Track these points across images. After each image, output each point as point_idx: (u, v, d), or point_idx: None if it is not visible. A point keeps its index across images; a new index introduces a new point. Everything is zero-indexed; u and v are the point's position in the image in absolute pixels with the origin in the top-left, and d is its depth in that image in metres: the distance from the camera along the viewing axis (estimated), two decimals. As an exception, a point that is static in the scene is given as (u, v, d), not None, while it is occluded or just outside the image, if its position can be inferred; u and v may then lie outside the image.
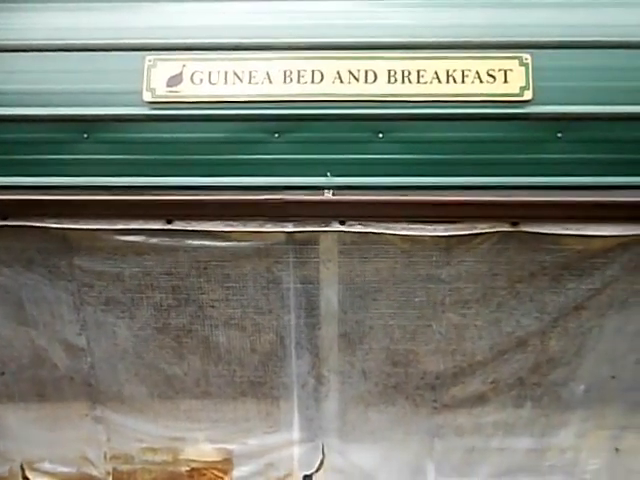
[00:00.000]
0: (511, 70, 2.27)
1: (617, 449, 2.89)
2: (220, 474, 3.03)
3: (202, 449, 3.00)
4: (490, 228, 2.45)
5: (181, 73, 2.31)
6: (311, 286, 2.64)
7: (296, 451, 2.97)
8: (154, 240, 2.54)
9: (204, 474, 3.04)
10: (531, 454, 2.93)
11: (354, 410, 2.88)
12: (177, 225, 2.49)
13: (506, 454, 2.93)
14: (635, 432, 2.86)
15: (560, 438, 2.89)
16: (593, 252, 2.50)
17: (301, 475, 3.01)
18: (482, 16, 2.37)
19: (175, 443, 2.99)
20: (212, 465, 3.02)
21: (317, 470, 3.01)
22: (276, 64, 2.31)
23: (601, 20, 2.35)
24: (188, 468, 3.04)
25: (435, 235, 2.46)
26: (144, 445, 2.99)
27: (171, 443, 2.99)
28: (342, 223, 2.47)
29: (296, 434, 2.94)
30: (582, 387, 2.77)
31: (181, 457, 3.02)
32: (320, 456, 2.98)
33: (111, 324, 2.72)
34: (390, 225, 2.47)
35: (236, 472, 3.02)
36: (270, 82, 2.31)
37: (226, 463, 3.02)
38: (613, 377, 2.74)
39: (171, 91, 2.31)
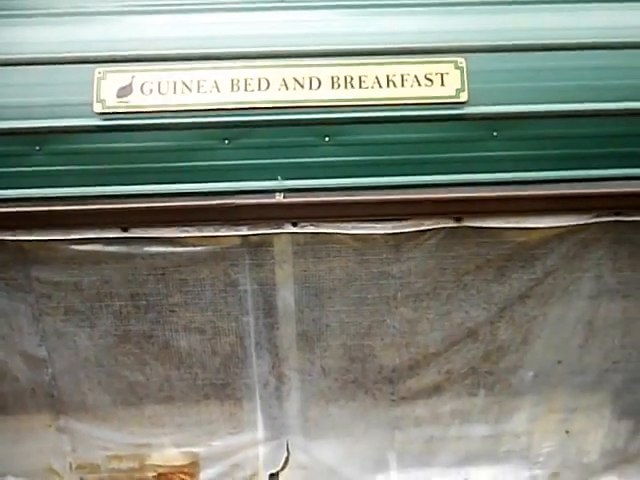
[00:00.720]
0: (447, 73, 2.39)
1: (567, 431, 3.04)
2: (187, 477, 3.07)
3: (168, 454, 3.04)
4: (435, 224, 2.57)
5: (130, 84, 2.37)
6: (268, 287, 2.71)
7: (261, 450, 3.03)
8: (111, 248, 2.58)
9: (171, 478, 3.07)
10: (487, 440, 3.05)
11: (316, 407, 2.96)
12: (133, 233, 2.54)
13: (464, 442, 3.04)
14: (583, 414, 3.01)
15: (513, 423, 3.02)
16: (533, 243, 2.64)
17: (267, 474, 3.07)
18: (419, 23, 2.49)
19: (141, 449, 3.02)
20: (179, 469, 3.06)
21: (282, 468, 3.07)
22: (223, 73, 2.39)
23: (531, 24, 2.49)
24: (155, 473, 3.07)
25: (384, 233, 2.56)
26: (110, 453, 3.01)
27: (137, 450, 3.02)
28: (294, 225, 2.56)
29: (260, 433, 3.00)
30: (531, 373, 2.90)
31: (147, 463, 3.05)
32: (285, 454, 3.04)
33: (71, 334, 2.75)
34: (341, 225, 2.56)
35: (203, 475, 3.06)
36: (218, 91, 2.39)
37: (193, 466, 3.06)
38: (559, 362, 2.88)
39: (121, 102, 2.37)
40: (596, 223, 2.59)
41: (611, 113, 2.45)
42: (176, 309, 2.72)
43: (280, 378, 2.89)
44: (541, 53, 2.46)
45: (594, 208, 2.55)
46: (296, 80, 2.40)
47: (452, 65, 2.40)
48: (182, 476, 3.07)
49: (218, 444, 3.02)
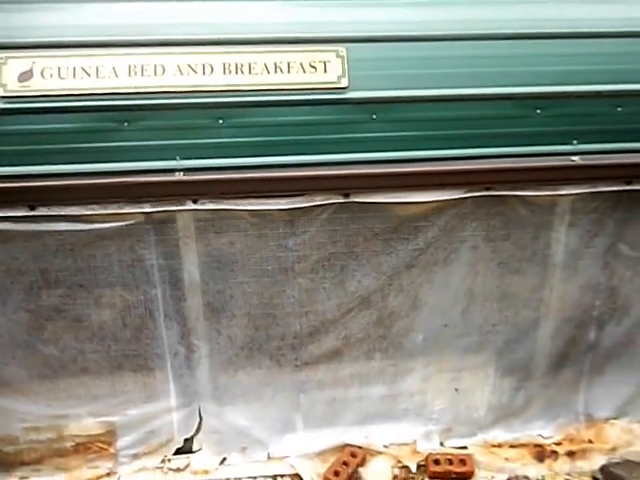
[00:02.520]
0: (329, 61, 2.63)
1: (457, 389, 3.34)
2: (105, 446, 3.23)
3: (85, 424, 3.18)
4: (325, 200, 2.81)
5: (31, 69, 2.51)
6: (173, 262, 2.89)
7: (175, 417, 3.22)
8: (19, 226, 2.70)
9: (89, 447, 3.22)
10: (385, 400, 3.32)
11: (225, 374, 3.16)
12: (40, 211, 2.67)
13: (364, 402, 3.31)
14: (470, 373, 3.31)
15: (408, 384, 3.30)
16: (415, 217, 2.91)
17: (181, 439, 3.26)
18: (304, 14, 2.71)
19: (58, 420, 3.15)
20: (96, 438, 3.21)
21: (196, 433, 3.27)
22: (121, 60, 2.55)
23: (404, 17, 2.75)
24: (73, 443, 3.21)
25: (278, 208, 2.78)
26: (27, 425, 3.13)
27: (54, 421, 3.15)
28: (195, 202, 2.75)
29: (173, 401, 3.19)
30: (421, 336, 3.18)
31: (65, 433, 3.19)
32: (197, 419, 3.24)
33: (-17, 310, 2.86)
34: (238, 201, 2.76)
35: (120, 442, 3.22)
36: (116, 76, 2.55)
37: (109, 435, 3.22)
38: (446, 325, 3.17)
39: (23, 86, 2.50)
40: (469, 197, 2.87)
41: (479, 97, 2.73)
42: (85, 284, 2.87)
43: (189, 347, 3.08)
44: (415, 43, 2.72)
45: (467, 184, 2.84)
46: (190, 66, 2.58)
47: (334, 54, 2.63)
48: (100, 445, 3.22)
49: (133, 412, 3.18)
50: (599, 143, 2.82)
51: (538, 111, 2.74)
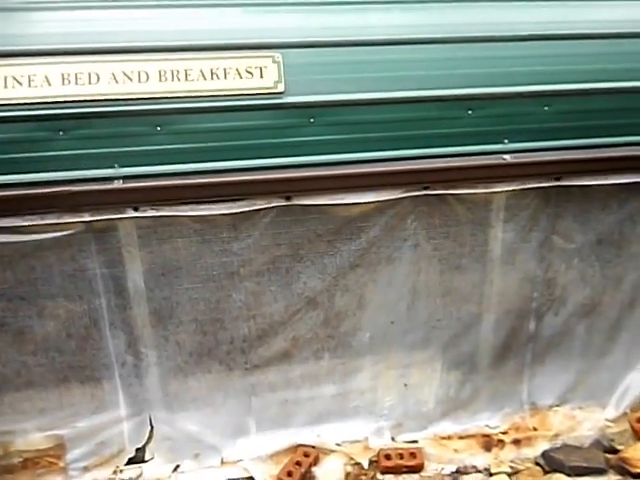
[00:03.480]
0: (266, 67, 2.67)
1: (406, 384, 3.41)
2: (54, 460, 3.17)
3: (32, 438, 3.12)
4: (267, 204, 2.84)
5: (-39, 79, 2.47)
6: (117, 270, 2.87)
7: (125, 427, 3.19)
8: (-46, 239, 2.65)
9: (38, 462, 3.16)
10: (336, 399, 3.37)
11: (174, 381, 3.16)
12: (-25, 223, 2.63)
13: (315, 402, 3.35)
14: (418, 368, 3.39)
15: (358, 382, 3.36)
16: (357, 217, 2.98)
17: (133, 449, 3.24)
18: (240, 21, 2.75)
19: (4, 437, 3.09)
20: (45, 453, 3.16)
21: (148, 442, 3.25)
22: (54, 68, 2.53)
23: (338, 23, 2.81)
24: (21, 459, 3.15)
25: (219, 214, 2.80)
26: (-28, 443, 3.06)
27: (0, 437, 3.08)
28: (136, 209, 2.74)
29: (123, 411, 3.16)
30: (368, 335, 3.25)
31: (12, 449, 3.12)
32: (148, 428, 3.22)
33: None
34: (180, 208, 2.77)
35: (69, 455, 3.17)
36: (49, 85, 2.53)
37: (58, 449, 3.17)
38: (392, 323, 3.24)
39: (-48, 96, 2.46)
40: (408, 197, 2.95)
41: (413, 100, 2.81)
42: (26, 296, 2.82)
43: (137, 356, 3.06)
44: (350, 48, 2.78)
45: (404, 184, 2.92)
46: (125, 74, 2.58)
47: (270, 59, 2.67)
48: (48, 459, 3.17)
49: (82, 425, 3.14)
50: (528, 142, 2.94)
51: (470, 112, 2.84)
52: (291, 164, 2.78)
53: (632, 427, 3.18)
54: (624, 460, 2.96)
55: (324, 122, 2.75)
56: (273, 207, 2.86)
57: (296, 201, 2.86)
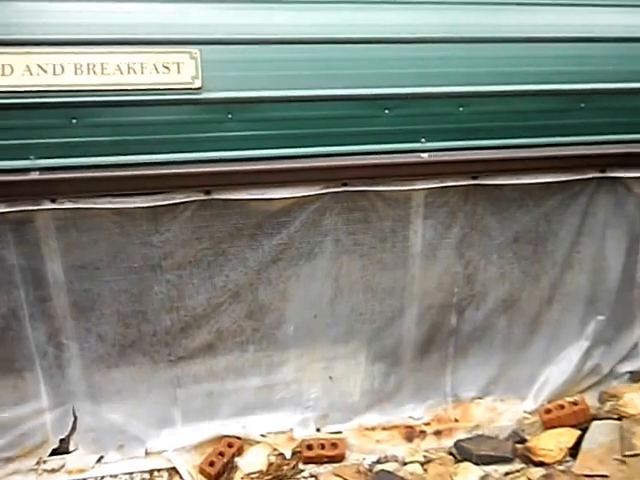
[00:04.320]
0: (183, 63, 2.70)
1: (330, 377, 3.48)
2: (-25, 451, 3.17)
3: (-47, 430, 3.11)
4: (187, 197, 2.88)
5: None
6: (35, 261, 2.88)
7: (48, 417, 3.20)
8: None
9: (-42, 454, 3.15)
10: (262, 391, 3.42)
11: (98, 372, 3.17)
12: None
13: (241, 393, 3.40)
14: (342, 361, 3.47)
15: (284, 374, 3.42)
16: (277, 212, 3.03)
17: (57, 439, 3.25)
18: (158, 16, 2.77)
19: None
20: (-34, 444, 3.15)
21: (72, 433, 3.26)
22: (-35, 59, 2.53)
23: (259, 19, 2.86)
24: (-59, 451, 3.13)
25: (137, 207, 2.83)
26: None
27: None
28: (53, 201, 2.76)
29: (45, 402, 3.17)
30: (292, 327, 3.31)
31: None
32: (72, 419, 3.23)
33: None
34: (97, 200, 2.79)
35: (-8, 446, 3.17)
36: (-39, 75, 2.53)
37: (-20, 440, 3.16)
38: (315, 316, 3.30)
39: None
40: (328, 193, 3.02)
41: (331, 98, 2.87)
42: (-58, 286, 2.82)
43: (59, 347, 3.07)
44: (268, 45, 2.83)
45: (324, 180, 2.98)
46: (40, 66, 2.59)
47: (187, 55, 2.71)
48: (-31, 450, 3.16)
49: (4, 415, 3.13)
50: (445, 141, 3.03)
51: (386, 111, 2.91)
52: (210, 159, 2.82)
53: (541, 418, 3.29)
54: (528, 449, 3.08)
55: (242, 118, 2.80)
56: (193, 201, 2.89)
57: (216, 195, 2.90)
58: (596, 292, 3.59)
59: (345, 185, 3.02)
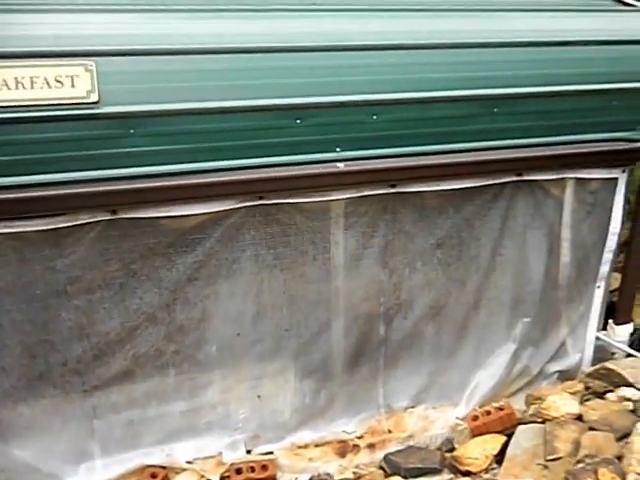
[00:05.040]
0: (77, 76, 2.54)
1: (259, 396, 3.37)
2: None
3: None
4: (91, 218, 2.72)
5: None
6: None
7: (-49, 461, 2.96)
8: None
9: None
10: (186, 415, 3.27)
11: (3, 408, 2.95)
12: None
13: (164, 420, 3.24)
14: (270, 379, 3.36)
15: (209, 396, 3.28)
16: (190, 230, 2.91)
17: (-38, 483, 3.01)
18: (49, 27, 2.61)
19: None
20: None
21: (-21, 475, 3.03)
22: None
23: (160, 30, 2.74)
24: None
25: (36, 230, 2.65)
26: None
27: None
28: (-61, 227, 2.55)
29: (-54, 444, 2.93)
30: (214, 348, 3.18)
31: None
32: (-22, 460, 3.00)
33: None
34: (-9, 225, 2.60)
35: None
36: None
37: None
38: (238, 335, 3.19)
39: None
40: (242, 207, 2.92)
41: (239, 109, 2.76)
42: None
43: (-42, 384, 2.85)
44: (169, 57, 2.69)
45: (238, 194, 2.88)
46: None
47: (82, 68, 2.55)
48: None
49: None
50: (360, 150, 2.97)
51: (298, 121, 2.83)
52: (114, 176, 2.68)
53: (469, 426, 3.27)
54: (455, 458, 3.05)
55: (146, 133, 2.66)
56: (98, 221, 2.74)
57: (122, 215, 2.76)
58: (521, 294, 3.62)
59: (261, 198, 2.93)
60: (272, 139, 2.84)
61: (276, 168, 2.88)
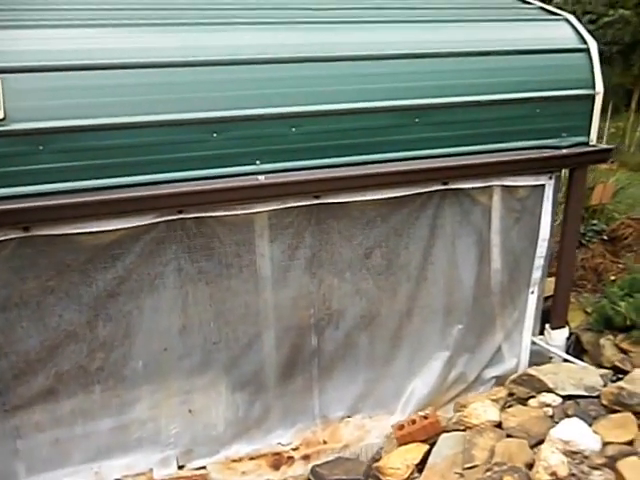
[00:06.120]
0: (-17, 93, 2.51)
1: (190, 410, 3.34)
2: None
3: None
4: (3, 236, 2.67)
5: None
6: None
7: None
8: None
9: None
10: (115, 432, 3.23)
11: None
12: None
13: (92, 438, 3.19)
14: (201, 393, 3.33)
15: (137, 412, 3.24)
16: (108, 245, 2.88)
17: None
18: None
19: None
20: None
21: None
22: None
23: (68, 44, 2.71)
24: None
25: (-57, 249, 2.60)
26: None
27: None
28: None
29: None
30: (140, 363, 3.14)
31: None
32: None
33: None
34: None
35: None
36: None
37: None
38: (165, 349, 3.16)
39: None
40: (162, 222, 2.90)
41: (154, 124, 2.75)
42: None
43: None
44: (81, 72, 2.67)
45: (156, 208, 2.86)
46: None
47: (-12, 85, 2.52)
48: None
49: None
50: (281, 162, 2.97)
51: (214, 135, 2.82)
52: (24, 193, 2.64)
53: (395, 435, 3.28)
54: (378, 469, 3.05)
55: (55, 149, 2.63)
56: (11, 239, 2.69)
57: (36, 232, 2.72)
58: (453, 302, 3.64)
59: (180, 212, 2.91)
60: (189, 153, 2.83)
61: (194, 182, 2.86)
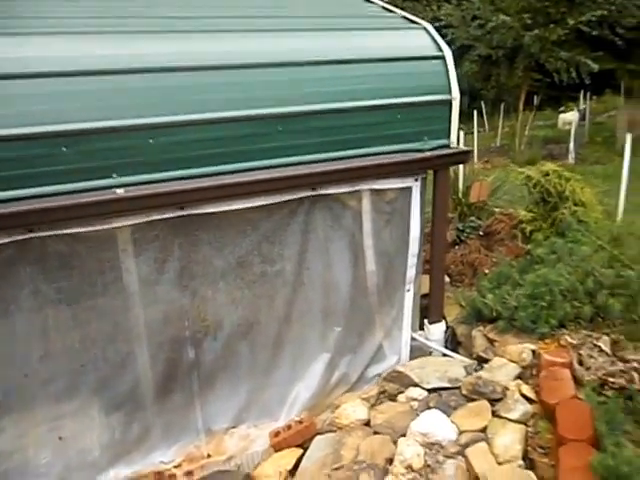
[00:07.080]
0: None
1: (60, 437, 3.17)
2: None
3: None
4: None
5: None
6: None
7: None
8: None
9: None
10: (-23, 468, 3.01)
11: None
12: None
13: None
14: (71, 418, 3.18)
15: (1, 444, 3.04)
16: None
17: None
18: None
19: None
20: None
21: None
22: None
23: None
24: None
25: None
26: None
27: None
28: None
29: None
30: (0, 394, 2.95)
31: None
32: None
33: None
34: None
35: None
36: None
37: None
38: (26, 376, 2.98)
39: None
40: (11, 242, 2.73)
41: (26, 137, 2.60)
42: None
43: None
44: None
45: (5, 228, 2.69)
46: None
47: None
48: None
49: None
50: (141, 174, 2.90)
51: (64, 149, 2.71)
52: None
53: (270, 442, 3.28)
54: (252, 478, 3.05)
55: None
56: None
57: None
58: (331, 305, 3.71)
59: (31, 231, 2.76)
60: (38, 169, 2.69)
61: (46, 198, 2.72)
